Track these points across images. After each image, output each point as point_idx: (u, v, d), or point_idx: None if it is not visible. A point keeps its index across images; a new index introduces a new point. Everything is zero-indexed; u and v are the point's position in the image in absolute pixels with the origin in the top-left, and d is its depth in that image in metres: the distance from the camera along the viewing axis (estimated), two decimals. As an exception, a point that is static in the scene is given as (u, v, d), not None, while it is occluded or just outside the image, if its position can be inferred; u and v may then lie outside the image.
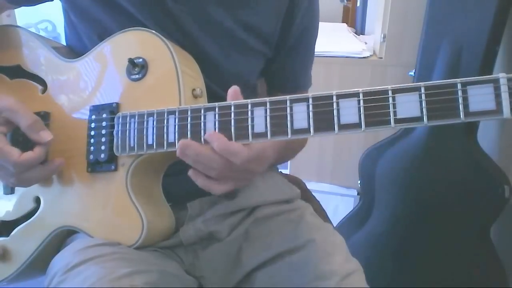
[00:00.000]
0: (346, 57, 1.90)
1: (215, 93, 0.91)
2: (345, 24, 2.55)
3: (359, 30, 2.52)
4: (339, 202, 2.07)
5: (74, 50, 0.95)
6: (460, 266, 1.63)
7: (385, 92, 0.61)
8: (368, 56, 1.92)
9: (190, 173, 0.73)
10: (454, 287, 1.63)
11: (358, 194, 2.04)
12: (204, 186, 0.73)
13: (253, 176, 0.78)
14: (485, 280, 1.59)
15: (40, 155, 0.78)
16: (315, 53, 1.07)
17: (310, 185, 1.22)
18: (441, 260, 1.64)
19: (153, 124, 0.75)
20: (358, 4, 2.52)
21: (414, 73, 1.67)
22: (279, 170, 1.10)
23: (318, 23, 1.02)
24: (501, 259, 1.56)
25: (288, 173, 1.12)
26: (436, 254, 1.65)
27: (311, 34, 1.01)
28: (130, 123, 0.78)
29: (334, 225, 1.16)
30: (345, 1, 2.75)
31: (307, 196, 1.13)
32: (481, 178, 1.55)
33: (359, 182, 1.79)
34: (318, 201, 1.17)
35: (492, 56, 1.48)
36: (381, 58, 1.90)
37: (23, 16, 2.13)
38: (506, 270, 1.56)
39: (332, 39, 2.06)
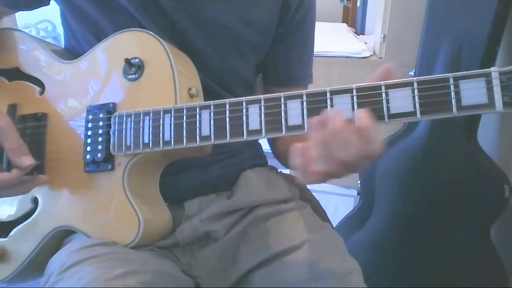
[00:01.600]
0: (346, 57, 1.90)
1: (214, 92, 0.91)
2: (345, 24, 2.55)
3: (359, 30, 2.52)
4: (339, 202, 2.07)
5: (71, 51, 0.95)
6: (460, 266, 1.62)
7: (378, 87, 0.61)
8: (368, 56, 1.92)
9: (296, 149, 0.63)
10: (454, 287, 1.62)
11: (358, 194, 2.04)
12: (299, 167, 0.63)
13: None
14: (485, 280, 1.58)
15: (16, 178, 0.79)
16: (315, 54, 1.06)
17: (310, 185, 1.22)
18: (441, 260, 1.63)
19: (149, 123, 0.76)
20: (358, 4, 2.52)
21: (414, 73, 1.66)
22: (279, 170, 1.10)
23: (314, 16, 1.01)
24: (501, 259, 1.56)
25: (287, 173, 1.11)
26: (436, 254, 1.64)
27: (307, 26, 1.00)
28: (126, 123, 0.78)
29: (334, 225, 1.16)
30: (345, 1, 2.75)
31: (306, 196, 1.13)
32: (481, 178, 1.54)
33: (359, 182, 1.78)
34: (318, 201, 1.16)
35: (492, 56, 1.48)
36: (381, 58, 1.90)
37: (22, 16, 2.14)
38: (506, 270, 1.55)
39: (332, 39, 2.06)
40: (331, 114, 0.61)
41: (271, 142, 1.07)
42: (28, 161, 0.79)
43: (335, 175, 0.63)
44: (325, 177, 0.63)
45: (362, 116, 0.60)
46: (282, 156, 1.04)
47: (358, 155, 0.60)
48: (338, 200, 2.07)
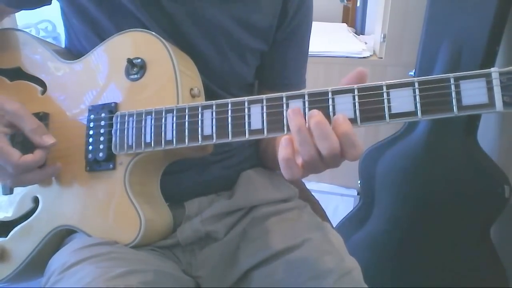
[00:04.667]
0: (346, 57, 1.90)
1: (214, 93, 0.91)
2: (345, 24, 2.56)
3: (359, 30, 2.52)
4: (339, 202, 2.07)
5: (73, 51, 0.96)
6: (460, 266, 1.63)
7: (380, 87, 0.62)
8: (368, 56, 1.92)
9: (284, 139, 0.64)
10: (454, 287, 1.62)
11: (358, 194, 2.04)
12: (284, 158, 0.64)
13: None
14: (485, 280, 1.59)
15: (41, 158, 0.79)
16: (315, 54, 1.06)
17: (310, 185, 1.23)
18: (441, 260, 1.64)
19: (151, 122, 0.76)
20: (358, 4, 2.53)
21: (414, 73, 1.67)
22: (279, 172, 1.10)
23: (311, 24, 1.02)
24: (501, 259, 1.56)
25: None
26: (436, 254, 1.65)
27: (303, 32, 1.01)
28: (128, 122, 0.78)
29: (334, 225, 1.16)
30: (345, 1, 2.75)
31: (306, 195, 1.13)
32: (481, 178, 1.55)
33: (359, 182, 1.78)
34: (317, 201, 1.17)
35: (492, 56, 1.48)
36: (381, 58, 1.90)
37: (23, 16, 2.14)
38: (506, 270, 1.56)
39: (332, 39, 2.05)
40: (313, 112, 0.62)
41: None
42: (50, 139, 0.80)
43: (315, 168, 0.65)
44: (305, 170, 0.65)
45: (342, 122, 0.62)
46: (266, 157, 1.05)
47: (339, 152, 0.62)
48: (338, 200, 2.08)
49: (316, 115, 0.62)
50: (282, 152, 0.64)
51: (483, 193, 1.55)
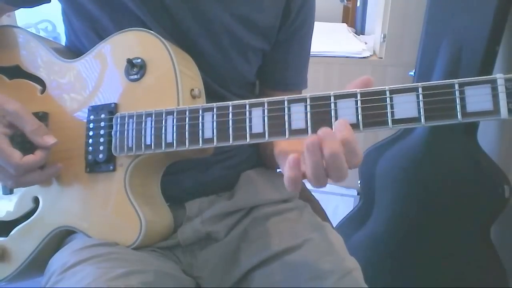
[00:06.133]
0: (346, 57, 1.90)
1: (215, 91, 0.91)
2: (345, 24, 2.55)
3: (359, 30, 2.52)
4: (339, 202, 2.07)
5: (72, 49, 0.95)
6: (460, 266, 1.63)
7: (383, 92, 0.61)
8: (368, 56, 1.92)
9: (292, 160, 0.63)
10: (454, 287, 1.62)
11: (358, 194, 2.04)
12: (290, 178, 0.63)
13: None
14: (485, 280, 1.59)
15: (41, 158, 0.79)
16: (315, 54, 1.06)
17: (310, 185, 1.22)
18: (441, 260, 1.64)
19: (151, 124, 0.75)
20: (358, 4, 2.52)
21: (414, 73, 1.66)
22: (279, 170, 1.10)
23: (313, 22, 1.01)
24: (501, 259, 1.56)
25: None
26: (436, 254, 1.65)
27: (305, 31, 1.00)
28: (128, 124, 0.78)
29: (334, 225, 1.16)
30: (345, 1, 2.75)
31: (306, 195, 1.13)
32: (481, 178, 1.55)
33: (359, 182, 1.78)
34: (318, 201, 1.16)
35: (492, 56, 1.48)
36: (381, 58, 1.90)
37: (23, 16, 2.13)
38: (506, 270, 1.56)
39: (332, 39, 2.05)
40: (328, 134, 0.60)
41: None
42: (51, 139, 0.79)
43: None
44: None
45: (343, 128, 0.61)
46: (265, 156, 1.05)
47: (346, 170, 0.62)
48: (338, 200, 2.07)
49: (335, 142, 0.60)
50: (290, 172, 0.63)
51: (483, 193, 1.55)
